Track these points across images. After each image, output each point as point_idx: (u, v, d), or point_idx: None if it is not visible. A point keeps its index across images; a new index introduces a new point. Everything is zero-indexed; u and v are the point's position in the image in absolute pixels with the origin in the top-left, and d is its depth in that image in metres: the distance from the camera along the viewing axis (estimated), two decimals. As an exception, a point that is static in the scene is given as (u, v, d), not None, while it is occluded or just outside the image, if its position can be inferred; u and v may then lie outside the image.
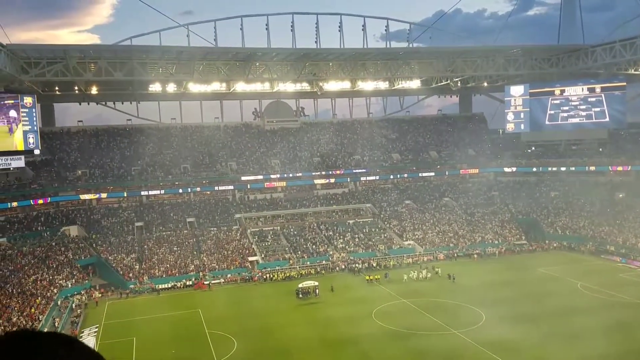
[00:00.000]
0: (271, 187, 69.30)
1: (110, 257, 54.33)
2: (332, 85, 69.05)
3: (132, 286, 50.03)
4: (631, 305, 39.18)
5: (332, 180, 71.18)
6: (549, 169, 72.48)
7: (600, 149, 71.11)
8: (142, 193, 64.96)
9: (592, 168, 68.87)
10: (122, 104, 71.60)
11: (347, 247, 59.30)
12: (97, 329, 37.65)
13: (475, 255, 57.92)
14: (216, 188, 67.40)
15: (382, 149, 76.18)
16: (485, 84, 75.74)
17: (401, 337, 34.60)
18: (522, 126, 74.00)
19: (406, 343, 33.57)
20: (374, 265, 54.57)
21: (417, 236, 61.90)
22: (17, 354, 1.03)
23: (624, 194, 64.98)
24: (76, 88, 63.04)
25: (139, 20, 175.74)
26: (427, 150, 77.67)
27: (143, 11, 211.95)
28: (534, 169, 73.37)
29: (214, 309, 43.17)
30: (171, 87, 62.74)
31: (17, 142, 51.62)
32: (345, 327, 36.72)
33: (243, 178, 67.71)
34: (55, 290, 45.92)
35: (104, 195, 63.30)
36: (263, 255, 56.72)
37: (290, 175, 69.20)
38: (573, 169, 70.56)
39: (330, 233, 62.18)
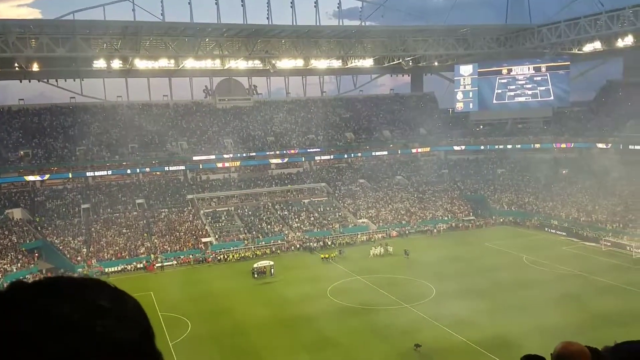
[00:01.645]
0: (224, 167, 68.24)
1: (56, 241, 52.43)
2: (285, 63, 68.29)
3: (80, 270, 48.51)
4: (573, 277, 41.16)
5: (287, 160, 70.87)
6: (496, 146, 74.63)
7: (545, 127, 73.70)
8: (88, 174, 62.63)
9: (537, 145, 71.37)
10: (65, 81, 68.47)
11: (302, 226, 59.45)
12: (44, 315, 36.34)
13: (435, 230, 59.37)
14: (166, 168, 65.77)
15: (336, 128, 76.29)
16: (436, 64, 76.79)
17: (356, 313, 35.17)
18: (471, 105, 75.70)
19: (361, 319, 34.15)
20: (329, 243, 55.02)
21: (370, 214, 62.73)
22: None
23: (567, 170, 67.80)
24: (16, 65, 59.70)
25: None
26: (380, 130, 78.33)
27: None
28: (482, 147, 75.38)
29: (166, 291, 42.48)
30: (116, 64, 60.46)
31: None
32: (301, 306, 36.97)
33: (195, 158, 66.32)
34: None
35: (47, 176, 60.73)
36: (217, 236, 56.13)
37: (244, 155, 68.30)
38: (519, 146, 72.91)
39: (285, 213, 62.13)
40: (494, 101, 74.21)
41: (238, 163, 68.41)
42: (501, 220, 63.28)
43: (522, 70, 72.59)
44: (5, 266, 46.41)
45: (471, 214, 64.70)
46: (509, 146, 73.57)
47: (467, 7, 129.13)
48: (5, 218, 54.54)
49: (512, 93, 73.43)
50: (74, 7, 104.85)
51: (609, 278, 40.07)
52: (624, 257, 46.71)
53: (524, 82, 72.64)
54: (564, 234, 55.99)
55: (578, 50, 67.45)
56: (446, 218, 63.18)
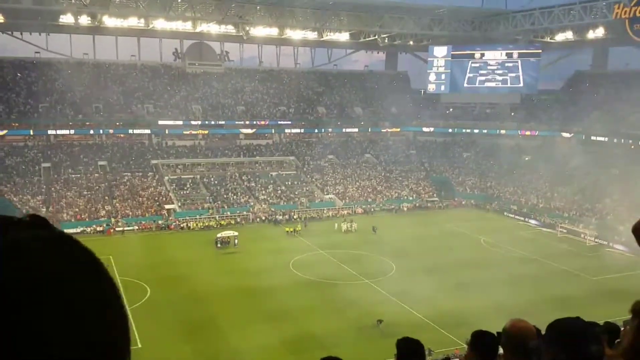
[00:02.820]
0: (191, 134, 67.07)
1: (14, 198, 50.96)
2: (259, 31, 66.98)
3: (37, 230, 47.39)
4: (528, 260, 42.56)
5: (256, 131, 70.13)
6: (464, 130, 75.61)
7: (512, 114, 74.92)
8: (50, 132, 60.64)
9: (503, 131, 72.64)
10: (30, 34, 65.39)
11: (268, 198, 59.34)
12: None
13: (405, 208, 60.20)
14: (131, 131, 64.11)
15: (308, 102, 75.73)
16: (412, 43, 76.66)
17: (316, 286, 35.60)
18: (442, 87, 76.20)
19: (321, 292, 34.63)
20: (295, 217, 55.13)
21: (337, 190, 63.02)
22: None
23: (530, 157, 69.36)
24: (-25, 13, 56.82)
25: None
26: (352, 106, 78.15)
27: None
28: (450, 130, 76.24)
29: (126, 256, 41.90)
30: (85, 20, 58.23)
31: None
32: (262, 277, 37.10)
33: (160, 122, 64.77)
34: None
35: (6, 132, 58.53)
36: (181, 204, 55.52)
37: (213, 122, 67.19)
38: (485, 131, 74.05)
39: (252, 184, 61.81)
40: (465, 85, 74.87)
41: (206, 131, 67.32)
42: (463, 202, 64.59)
43: (494, 55, 73.25)
44: (-42, 222, 44.88)
45: (435, 195, 65.77)
46: (476, 130, 74.64)
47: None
48: (-40, 173, 52.60)
49: (483, 78, 74.16)
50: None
51: (562, 263, 41.61)
52: (578, 244, 48.45)
53: (495, 67, 73.39)
54: (522, 218, 57.61)
55: (550, 39, 68.42)
56: (411, 198, 64.09)
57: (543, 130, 70.10)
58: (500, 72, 73.31)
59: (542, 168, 64.91)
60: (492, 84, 74.07)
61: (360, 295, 33.91)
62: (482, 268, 39.66)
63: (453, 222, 55.43)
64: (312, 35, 71.01)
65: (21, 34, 65.16)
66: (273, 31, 67.46)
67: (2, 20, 57.78)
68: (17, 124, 59.09)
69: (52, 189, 54.09)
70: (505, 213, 59.99)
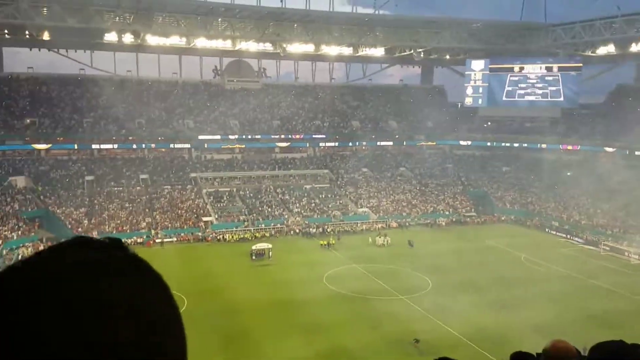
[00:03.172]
0: (229, 148, 68.40)
1: (58, 211, 52.81)
2: (296, 48, 67.94)
3: (80, 241, 48.91)
4: (570, 278, 41.26)
5: (291, 145, 70.88)
6: (503, 144, 74.33)
7: (553, 128, 73.20)
8: (94, 146, 62.89)
9: (544, 146, 71.00)
10: (76, 52, 68.29)
11: (302, 211, 59.63)
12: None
13: (442, 223, 59.53)
14: (172, 146, 65.96)
15: (342, 116, 76.12)
16: (448, 57, 76.25)
17: (350, 301, 35.41)
18: (480, 101, 75.31)
19: (354, 306, 34.39)
20: (329, 230, 55.18)
21: (371, 204, 62.82)
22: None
23: (572, 172, 67.49)
24: (27, 32, 59.62)
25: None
26: (387, 120, 78.12)
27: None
28: (488, 144, 75.10)
29: (165, 267, 42.35)
30: (128, 38, 60.29)
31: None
32: (296, 290, 37.21)
33: (200, 137, 66.41)
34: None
35: (50, 145, 60.91)
36: (217, 216, 56.40)
37: (249, 137, 68.38)
38: (525, 145, 72.62)
39: (287, 197, 62.30)
40: (504, 98, 73.79)
41: (243, 145, 68.54)
42: (502, 218, 63.26)
43: (533, 69, 72.06)
44: (6, 233, 46.82)
45: (472, 210, 64.69)
46: (516, 144, 73.28)
47: (482, 1, 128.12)
48: (9, 185, 54.91)
49: (522, 91, 72.99)
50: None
51: (605, 281, 40.15)
52: (622, 262, 46.71)
53: (535, 80, 72.15)
54: (563, 235, 56.00)
55: (591, 53, 66.86)
56: (447, 212, 63.21)
57: (585, 145, 68.18)
58: (540, 85, 72.02)
59: (585, 183, 63.04)
60: (532, 98, 72.78)
61: (395, 311, 33.54)
62: (522, 286, 38.66)
63: (492, 238, 54.34)
64: (347, 51, 71.49)
65: (67, 51, 68.02)
66: (309, 47, 68.28)
67: (48, 38, 60.42)
68: (62, 138, 61.44)
69: (95, 201, 55.82)
70: (546, 229, 58.44)
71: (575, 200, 61.94)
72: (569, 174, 67.76)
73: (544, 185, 66.69)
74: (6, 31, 60.01)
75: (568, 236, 55.42)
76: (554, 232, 57.36)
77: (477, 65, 74.34)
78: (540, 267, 44.30)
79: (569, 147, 69.54)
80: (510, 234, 57.11)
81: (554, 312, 32.07)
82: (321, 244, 49.45)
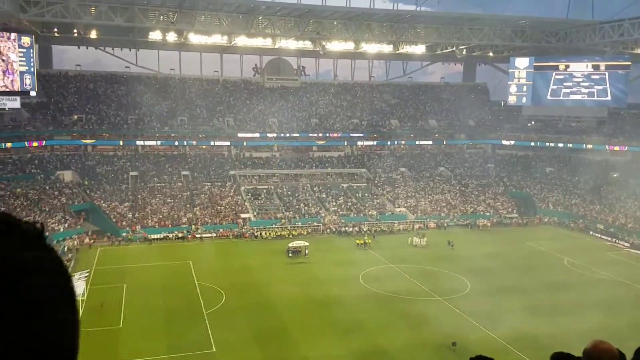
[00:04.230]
0: (267, 146, 69.05)
1: (103, 204, 54.49)
2: (335, 46, 67.80)
3: (124, 234, 50.41)
4: (615, 283, 39.90)
5: (329, 143, 70.94)
6: (547, 144, 72.37)
7: (599, 128, 70.85)
8: (138, 143, 64.61)
9: (590, 146, 68.76)
10: (122, 50, 70.25)
11: (339, 210, 59.63)
12: (87, 274, 38.09)
13: (482, 224, 58.71)
14: (212, 143, 67.06)
15: (381, 114, 75.65)
16: (491, 54, 74.66)
17: (386, 301, 35.25)
18: (524, 99, 73.49)
19: (391, 306, 34.23)
20: (365, 230, 55.00)
21: (409, 203, 62.23)
22: None
23: (618, 174, 65.21)
24: (75, 31, 61.70)
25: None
26: (427, 119, 77.20)
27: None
28: (532, 144, 73.25)
29: (204, 262, 43.68)
30: (171, 37, 61.57)
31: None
32: (332, 288, 37.32)
33: (240, 135, 67.28)
34: (47, 234, 45.86)
35: (95, 141, 62.96)
36: (255, 213, 57.03)
37: (287, 135, 68.81)
38: (570, 145, 70.52)
39: (324, 195, 62.41)
40: (549, 97, 71.81)
41: (281, 143, 69.06)
42: (545, 220, 61.63)
43: (579, 67, 69.79)
44: (54, 225, 48.64)
45: (514, 211, 63.25)
46: (560, 145, 71.25)
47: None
48: (56, 179, 57.01)
49: (567, 90, 70.82)
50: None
51: (654, 289, 38.65)
52: (672, 268, 44.83)
53: (581, 79, 69.89)
54: (609, 238, 54.15)
55: (641, 50, 64.23)
56: (488, 213, 62.00)
57: (633, 146, 65.66)
58: (586, 84, 69.72)
59: (632, 185, 60.83)
60: (578, 97, 70.54)
61: (433, 312, 33.17)
62: (565, 290, 37.66)
63: (534, 240, 53.05)
64: (387, 49, 70.92)
65: (113, 49, 70.08)
66: (349, 45, 68.07)
67: (95, 37, 62.31)
68: (107, 135, 63.41)
69: (139, 196, 57.33)
70: (591, 232, 56.63)
71: (621, 203, 59.78)
72: (615, 175, 65.50)
73: (589, 187, 64.63)
74: (55, 30, 62.18)
75: (614, 240, 53.56)
76: (599, 235, 55.53)
77: (522, 63, 72.55)
78: (584, 271, 43.00)
79: (616, 148, 67.10)
80: (553, 236, 55.65)
81: (600, 319, 30.98)
82: (357, 243, 49.36)
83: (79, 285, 34.59)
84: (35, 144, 58.98)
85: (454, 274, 41.11)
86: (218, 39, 63.26)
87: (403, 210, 60.87)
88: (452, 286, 38.14)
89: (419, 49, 70.85)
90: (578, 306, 33.82)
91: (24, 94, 53.32)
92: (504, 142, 74.75)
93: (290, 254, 45.40)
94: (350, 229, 54.84)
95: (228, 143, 67.69)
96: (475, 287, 37.82)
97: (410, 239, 50.74)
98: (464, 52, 71.41)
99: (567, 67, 70.39)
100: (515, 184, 68.92)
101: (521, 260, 45.78)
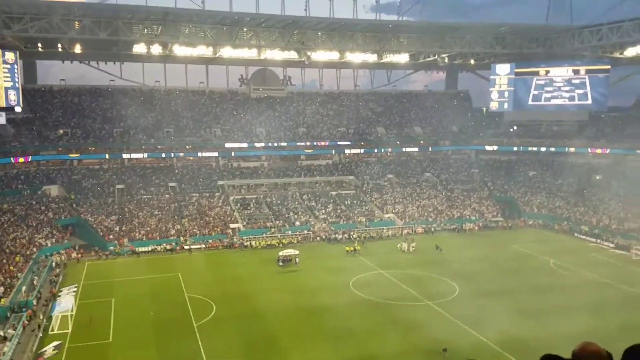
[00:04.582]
0: (255, 156, 69.28)
1: (90, 218, 54.24)
2: (320, 55, 68.41)
3: (111, 248, 50.19)
4: (601, 284, 40.57)
5: (316, 152, 71.37)
6: (529, 148, 73.48)
7: (581, 131, 72.09)
8: (124, 155, 64.45)
9: (572, 149, 69.97)
10: (106, 64, 70.14)
11: (328, 217, 59.95)
12: (76, 288, 37.93)
13: (468, 228, 59.33)
14: (200, 154, 67.12)
15: (367, 122, 76.33)
16: (472, 62, 75.82)
17: (377, 307, 35.53)
18: (506, 105, 74.61)
19: (381, 312, 34.50)
20: (354, 236, 55.35)
21: (397, 209, 62.77)
22: None
23: (601, 176, 66.37)
24: (59, 46, 61.56)
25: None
26: (412, 126, 78.05)
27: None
28: (515, 148, 74.32)
29: (194, 273, 43.66)
30: (156, 49, 61.64)
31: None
32: (323, 296, 37.52)
33: (227, 145, 67.41)
34: (34, 249, 45.89)
35: (81, 155, 62.69)
36: (245, 223, 57.11)
37: (275, 144, 69.11)
38: (553, 149, 71.66)
39: (313, 203, 62.71)
40: (530, 102, 72.98)
41: (269, 153, 69.34)
42: (530, 223, 62.51)
43: (560, 72, 71.12)
44: (41, 240, 48.31)
45: (499, 215, 64.08)
46: (543, 149, 72.38)
47: (506, 5, 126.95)
48: (43, 194, 56.67)
49: (548, 95, 72.05)
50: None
51: (638, 287, 39.38)
52: (655, 267, 45.68)
53: (561, 84, 71.18)
54: (593, 240, 55.06)
55: (620, 54, 65.64)
56: (474, 217, 62.75)
57: (614, 148, 66.95)
58: (567, 88, 71.01)
59: (614, 187, 61.97)
60: (559, 101, 71.79)
61: (423, 317, 33.52)
62: (552, 292, 38.25)
63: (519, 243, 53.79)
64: (371, 58, 71.72)
65: (97, 63, 69.95)
66: (334, 55, 68.71)
67: (80, 51, 62.23)
68: (93, 148, 63.21)
69: (126, 209, 57.14)
70: (575, 234, 57.53)
71: (605, 205, 60.86)
72: (598, 177, 66.67)
73: (573, 190, 65.71)
74: (40, 45, 61.99)
75: (598, 241, 54.47)
76: (583, 237, 56.43)
77: (502, 69, 73.74)
78: (570, 273, 43.68)
79: (598, 151, 68.36)
80: (538, 238, 56.42)
81: (586, 319, 31.49)
82: (347, 250, 49.67)
83: (68, 300, 34.45)
84: (21, 159, 58.63)
85: (442, 278, 41.56)
86: (203, 50, 63.52)
87: (391, 217, 61.37)
88: (440, 290, 38.56)
89: (403, 58, 71.74)
90: (565, 308, 34.35)
91: (9, 109, 53.00)
92: (487, 148, 75.75)
93: (280, 263, 45.55)
94: (340, 236, 55.15)
95: (216, 154, 67.79)
96: (464, 291, 38.28)
97: (400, 244, 51.20)
98: (446, 60, 72.44)
99: (547, 72, 71.68)
100: (500, 188, 69.86)
101: (507, 263, 46.39)
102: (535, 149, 73.09)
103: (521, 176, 71.98)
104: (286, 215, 59.43)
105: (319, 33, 64.26)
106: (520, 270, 44.11)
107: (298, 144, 70.19)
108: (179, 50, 62.53)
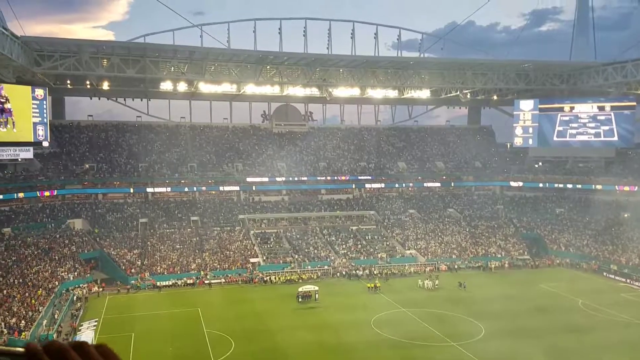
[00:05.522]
0: (276, 190, 69.50)
1: (113, 252, 54.58)
2: (342, 92, 69.23)
3: (133, 282, 50.23)
4: (632, 325, 38.96)
5: (337, 186, 71.33)
6: (555, 185, 72.20)
7: (607, 168, 70.74)
8: (148, 190, 65.25)
9: (599, 187, 68.49)
10: (133, 100, 72.04)
11: (348, 253, 59.29)
12: (96, 323, 37.83)
13: (494, 266, 57.89)
14: (221, 188, 67.63)
15: (388, 157, 76.25)
16: (495, 97, 75.72)
17: (399, 347, 34.56)
18: (530, 141, 73.91)
19: (403, 353, 33.52)
20: (375, 272, 54.48)
21: (419, 246, 61.79)
22: None
23: (630, 214, 64.61)
24: (88, 82, 63.52)
25: (153, 18, 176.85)
26: (434, 161, 77.68)
27: (157, 10, 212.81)
28: (540, 185, 73.12)
29: (213, 308, 43.28)
30: (182, 86, 63.16)
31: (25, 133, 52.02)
32: (343, 334, 36.72)
33: (248, 179, 67.87)
34: (56, 282, 46.15)
35: (108, 189, 63.74)
36: (265, 257, 56.80)
37: (296, 179, 69.36)
38: (579, 186, 70.29)
39: (333, 238, 62.21)
40: (555, 138, 72.21)
41: (290, 187, 69.55)
42: (557, 261, 60.83)
43: (585, 109, 70.45)
44: (63, 274, 48.62)
45: (526, 252, 62.55)
46: (569, 185, 71.06)
47: (528, 43, 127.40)
48: (67, 227, 57.38)
49: (573, 131, 71.26)
50: (145, 30, 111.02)
51: (673, 331, 37.68)
52: (690, 309, 43.76)
53: (586, 120, 70.43)
54: (623, 279, 53.21)
55: (645, 91, 64.89)
56: (499, 255, 61.33)
57: (643, 185, 65.30)
58: (592, 125, 70.18)
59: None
60: (584, 138, 70.86)
61: (447, 358, 32.46)
62: (580, 333, 36.80)
63: (547, 282, 52.22)
64: (392, 94, 72.18)
65: (124, 99, 71.87)
66: (355, 91, 69.44)
67: (108, 88, 64.05)
68: (118, 183, 64.22)
69: (148, 243, 57.42)
70: (604, 273, 55.73)
71: (634, 243, 58.98)
72: (626, 215, 64.92)
73: (600, 228, 64.01)
74: (68, 82, 64.11)
75: (628, 280, 52.60)
76: (612, 276, 54.58)
77: (526, 105, 73.38)
78: (599, 313, 42.09)
79: (626, 188, 66.78)
80: (565, 277, 54.75)
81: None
82: (368, 287, 48.82)
83: (88, 334, 34.33)
84: (47, 193, 59.65)
85: (467, 317, 40.38)
86: (227, 87, 64.83)
87: (413, 253, 60.39)
88: (465, 330, 37.39)
89: (424, 94, 72.07)
90: (595, 349, 32.98)
91: (36, 144, 54.37)
92: (512, 184, 74.70)
93: (300, 299, 44.89)
94: (361, 272, 54.33)
95: (237, 188, 68.22)
96: (490, 331, 37.05)
97: (421, 281, 50.13)
98: (468, 96, 72.48)
99: (572, 108, 71.07)
100: (526, 225, 68.40)
101: (535, 302, 44.94)
102: (561, 185, 71.78)
103: (548, 213, 70.50)
104: (306, 250, 58.98)
105: (341, 70, 65.09)
106: (548, 310, 42.67)
107: (318, 178, 70.30)
108: (205, 87, 63.97)
